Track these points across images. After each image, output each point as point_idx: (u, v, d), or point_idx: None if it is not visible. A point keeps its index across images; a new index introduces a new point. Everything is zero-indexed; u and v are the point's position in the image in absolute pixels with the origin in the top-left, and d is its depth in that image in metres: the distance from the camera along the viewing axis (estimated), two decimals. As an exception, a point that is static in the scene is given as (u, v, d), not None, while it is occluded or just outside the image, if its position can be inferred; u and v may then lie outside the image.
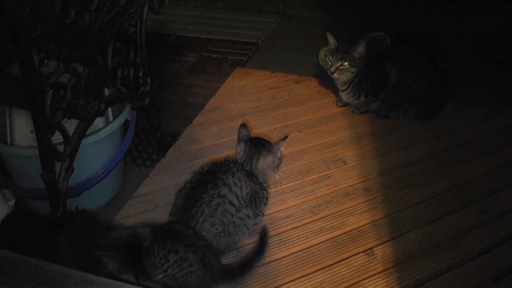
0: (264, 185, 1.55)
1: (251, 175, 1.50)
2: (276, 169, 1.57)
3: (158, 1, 1.72)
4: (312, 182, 1.80)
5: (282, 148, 1.56)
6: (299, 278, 1.42)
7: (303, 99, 2.33)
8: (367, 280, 1.41)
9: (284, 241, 1.54)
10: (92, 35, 1.44)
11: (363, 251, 1.50)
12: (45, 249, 1.38)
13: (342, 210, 1.66)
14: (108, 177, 1.79)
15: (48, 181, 1.41)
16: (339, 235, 1.56)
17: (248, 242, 1.52)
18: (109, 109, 1.76)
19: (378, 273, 1.43)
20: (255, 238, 1.53)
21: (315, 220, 1.62)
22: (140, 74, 1.81)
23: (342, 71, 2.07)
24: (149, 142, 2.18)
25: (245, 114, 2.21)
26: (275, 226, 1.60)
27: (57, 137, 1.42)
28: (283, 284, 1.40)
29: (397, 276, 1.42)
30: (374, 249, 1.51)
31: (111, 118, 1.81)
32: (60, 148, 1.44)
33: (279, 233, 1.57)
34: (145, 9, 1.69)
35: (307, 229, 1.59)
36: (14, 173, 1.76)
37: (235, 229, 1.44)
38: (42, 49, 1.24)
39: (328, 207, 1.68)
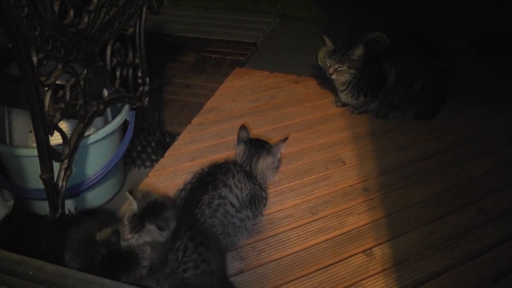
0: (264, 186, 1.54)
1: (250, 176, 1.50)
2: (276, 170, 1.57)
3: (157, 1, 1.72)
4: (311, 182, 1.79)
5: (282, 150, 1.56)
6: (298, 278, 1.42)
7: (302, 99, 2.33)
8: (366, 280, 1.41)
9: (283, 241, 1.54)
10: (91, 35, 1.44)
11: (362, 251, 1.50)
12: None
13: (341, 210, 1.66)
14: (107, 177, 1.79)
15: (47, 182, 1.41)
16: (338, 235, 1.56)
17: (247, 243, 1.52)
18: (108, 109, 1.75)
19: (377, 273, 1.43)
20: (254, 238, 1.53)
21: (314, 220, 1.62)
22: (139, 74, 1.80)
23: (341, 73, 2.07)
24: (148, 142, 2.18)
25: (244, 114, 2.21)
26: (274, 226, 1.60)
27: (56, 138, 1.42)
28: (282, 285, 1.40)
29: (396, 276, 1.42)
30: (373, 249, 1.51)
31: (110, 119, 1.81)
32: (59, 148, 1.44)
33: (278, 233, 1.57)
34: (144, 9, 1.68)
35: (306, 229, 1.58)
36: (13, 173, 1.75)
37: (234, 230, 1.44)
38: (40, 49, 1.24)
39: (327, 207, 1.68)
